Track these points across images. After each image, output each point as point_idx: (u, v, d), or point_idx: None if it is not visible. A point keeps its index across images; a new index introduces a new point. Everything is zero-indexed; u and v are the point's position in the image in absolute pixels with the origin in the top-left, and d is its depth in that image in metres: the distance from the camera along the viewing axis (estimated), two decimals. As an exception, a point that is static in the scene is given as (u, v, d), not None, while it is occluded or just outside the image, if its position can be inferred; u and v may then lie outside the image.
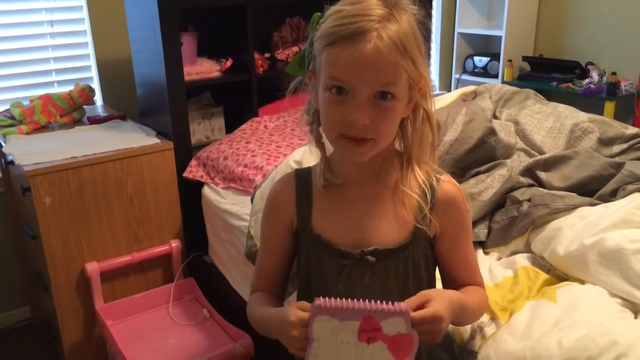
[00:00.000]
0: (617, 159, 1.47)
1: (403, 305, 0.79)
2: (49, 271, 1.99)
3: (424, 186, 0.92)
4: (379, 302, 0.79)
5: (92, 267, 2.02)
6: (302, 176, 1.00)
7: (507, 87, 1.88)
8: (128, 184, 2.09)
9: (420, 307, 0.82)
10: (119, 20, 2.47)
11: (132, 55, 2.38)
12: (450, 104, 1.68)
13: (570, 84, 3.23)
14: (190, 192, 2.21)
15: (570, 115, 1.68)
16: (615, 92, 3.04)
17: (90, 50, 2.63)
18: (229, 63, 2.34)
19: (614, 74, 3.07)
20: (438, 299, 0.83)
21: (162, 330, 1.99)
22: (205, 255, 2.25)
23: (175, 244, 2.20)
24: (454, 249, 0.97)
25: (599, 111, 2.79)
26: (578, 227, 1.23)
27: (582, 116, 1.68)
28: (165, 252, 2.19)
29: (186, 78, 2.19)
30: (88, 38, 2.61)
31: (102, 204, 2.04)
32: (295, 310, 0.83)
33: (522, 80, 3.43)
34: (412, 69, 0.85)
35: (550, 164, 1.47)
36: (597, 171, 1.40)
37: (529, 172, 1.48)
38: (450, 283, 0.99)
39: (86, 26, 2.60)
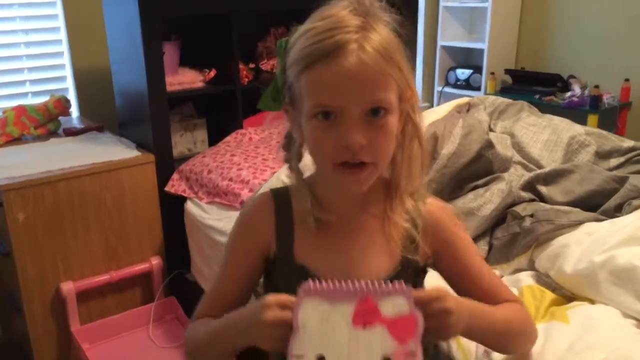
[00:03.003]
0: (616, 173, 1.44)
1: (405, 285, 0.71)
2: (21, 291, 1.88)
3: (412, 213, 0.87)
4: (375, 281, 0.71)
5: (68, 287, 1.92)
6: (280, 197, 0.91)
7: (501, 99, 1.85)
8: (106, 198, 1.99)
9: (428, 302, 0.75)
10: (96, 29, 2.39)
11: (111, 65, 2.30)
12: (446, 115, 1.64)
13: (553, 97, 3.25)
14: (172, 207, 2.12)
15: (567, 128, 1.65)
16: (598, 105, 3.06)
17: (66, 60, 2.55)
18: (212, 73, 2.28)
19: (596, 87, 3.09)
20: (452, 297, 0.77)
21: (141, 353, 1.90)
22: (187, 273, 2.16)
23: (155, 261, 2.11)
24: (460, 272, 0.90)
25: (582, 124, 2.80)
26: (586, 244, 1.19)
27: (579, 129, 1.66)
28: (146, 270, 2.09)
29: (168, 88, 2.12)
30: (64, 47, 2.53)
31: (79, 220, 1.94)
32: (272, 295, 0.75)
33: (504, 93, 3.43)
34: (400, 77, 0.79)
35: (552, 177, 1.43)
36: (600, 185, 1.37)
37: (529, 186, 1.44)
38: None
39: (62, 35, 2.51)
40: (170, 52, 2.21)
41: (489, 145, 1.50)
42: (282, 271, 0.89)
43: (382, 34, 0.77)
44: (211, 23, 2.29)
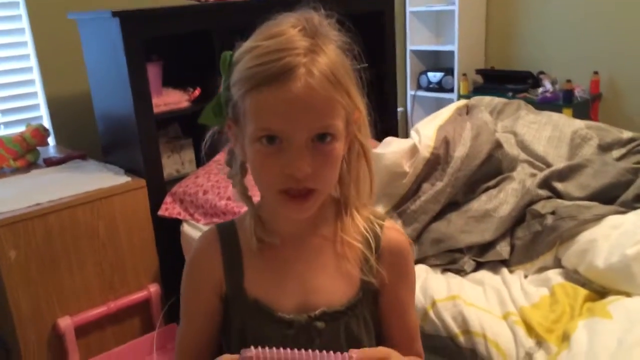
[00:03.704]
0: (625, 164, 1.47)
1: (354, 355, 0.69)
2: (16, 331, 1.78)
3: (366, 234, 0.82)
4: (323, 352, 0.68)
5: (65, 323, 1.83)
6: (226, 232, 0.86)
7: (497, 99, 1.87)
8: (99, 227, 1.91)
9: None
10: (70, 54, 2.31)
11: (92, 90, 2.22)
12: (449, 119, 1.64)
13: (526, 94, 3.31)
14: (166, 231, 2.06)
15: (567, 123, 1.68)
16: (572, 99, 3.13)
17: (38, 87, 2.45)
18: (197, 92, 2.23)
19: (568, 81, 3.17)
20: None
21: (148, 385, 1.83)
22: (187, 297, 2.10)
23: (153, 288, 2.03)
24: (394, 307, 0.86)
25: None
26: (614, 238, 1.20)
27: (579, 123, 1.68)
28: (144, 298, 2.02)
29: (154, 110, 2.06)
30: (35, 75, 2.43)
31: (72, 252, 1.86)
32: None
33: (478, 92, 3.48)
34: (348, 102, 0.75)
35: (566, 173, 1.45)
36: (615, 178, 1.39)
37: (545, 183, 1.45)
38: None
39: (32, 62, 2.42)
40: (153, 73, 2.15)
41: (499, 145, 1.51)
42: (235, 308, 0.84)
43: (330, 56, 0.74)
44: (193, 41, 2.24)
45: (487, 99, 1.89)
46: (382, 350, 0.75)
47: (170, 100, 2.16)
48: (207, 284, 0.85)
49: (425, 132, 1.55)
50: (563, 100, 3.16)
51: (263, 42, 0.72)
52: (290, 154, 0.72)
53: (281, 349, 0.69)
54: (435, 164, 1.50)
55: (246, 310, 0.82)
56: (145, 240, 2.03)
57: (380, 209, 1.52)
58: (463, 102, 1.84)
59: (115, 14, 1.88)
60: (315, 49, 0.73)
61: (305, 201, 0.75)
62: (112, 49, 1.96)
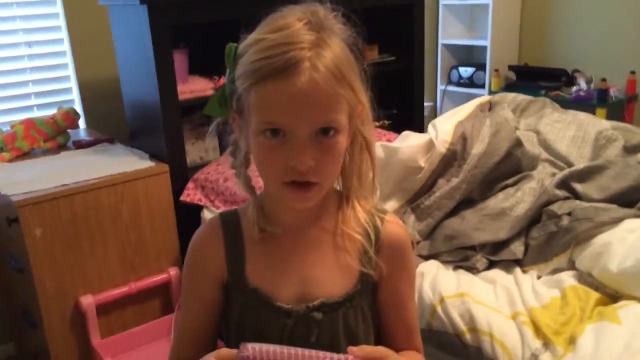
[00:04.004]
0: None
1: (350, 357, 0.69)
2: (40, 307, 1.85)
3: (366, 226, 0.83)
4: (320, 352, 0.68)
5: (87, 301, 1.88)
6: (229, 221, 0.87)
7: (522, 97, 1.84)
8: (123, 210, 1.96)
9: None
10: (102, 40, 2.36)
11: (120, 76, 2.26)
12: (470, 115, 1.62)
13: (559, 92, 3.24)
14: (187, 217, 2.10)
15: (593, 123, 1.64)
16: (606, 99, 3.05)
17: (70, 71, 2.51)
18: (222, 80, 2.24)
19: (603, 80, 3.09)
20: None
21: (165, 366, 1.87)
22: (205, 282, 2.14)
23: (173, 271, 2.08)
24: (392, 300, 0.86)
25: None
26: (629, 241, 1.17)
27: (605, 124, 1.64)
28: (164, 281, 2.06)
29: (179, 97, 2.09)
30: (68, 59, 2.49)
31: (96, 233, 1.91)
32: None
33: (509, 89, 3.41)
34: (351, 97, 0.75)
35: (586, 174, 1.42)
36: (636, 180, 1.35)
37: (563, 184, 1.42)
38: (386, 342, 0.87)
39: (66, 47, 2.48)
40: (179, 60, 2.18)
41: (518, 143, 1.49)
42: (235, 296, 0.85)
43: (335, 51, 0.74)
44: (219, 29, 2.26)
45: (511, 95, 1.85)
46: (380, 350, 0.75)
47: (195, 87, 2.19)
48: (208, 270, 0.85)
49: (443, 127, 1.53)
50: (597, 100, 3.08)
51: (268, 35, 0.73)
52: (294, 147, 0.72)
53: (278, 348, 0.68)
54: (451, 160, 1.49)
55: (246, 299, 0.83)
56: (167, 225, 2.07)
57: (394, 203, 1.52)
58: (486, 98, 1.81)
59: (143, 1, 1.91)
60: (320, 43, 0.73)
61: (307, 192, 0.76)
62: (139, 35, 2.00)
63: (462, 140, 1.47)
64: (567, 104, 3.12)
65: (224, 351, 0.73)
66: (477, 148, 1.45)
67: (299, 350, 0.69)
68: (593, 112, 3.03)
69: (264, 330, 0.82)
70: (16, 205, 1.75)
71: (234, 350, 0.71)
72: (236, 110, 0.79)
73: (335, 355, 0.68)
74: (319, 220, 0.84)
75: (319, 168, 0.74)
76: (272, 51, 0.71)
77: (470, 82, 3.70)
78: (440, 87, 3.87)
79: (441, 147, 1.49)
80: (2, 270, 2.27)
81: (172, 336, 0.86)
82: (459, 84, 3.77)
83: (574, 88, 3.21)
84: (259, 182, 0.84)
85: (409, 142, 1.54)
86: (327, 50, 0.73)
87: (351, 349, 0.70)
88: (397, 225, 0.87)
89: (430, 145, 1.52)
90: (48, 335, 1.88)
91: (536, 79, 3.44)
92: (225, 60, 0.78)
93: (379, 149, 1.50)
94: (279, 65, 0.71)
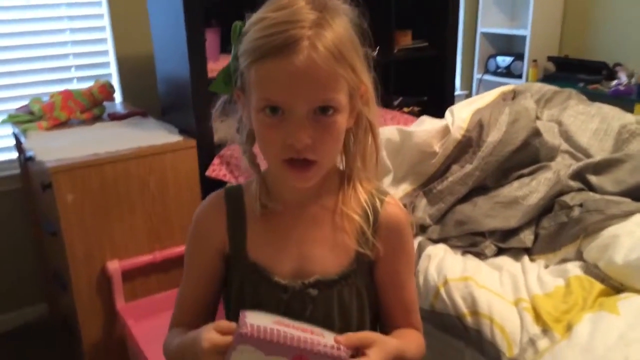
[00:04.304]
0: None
1: (342, 350, 0.70)
2: (70, 269, 1.94)
3: (366, 207, 0.84)
4: (314, 338, 0.70)
5: (114, 266, 1.97)
6: (233, 196, 0.89)
7: (548, 87, 1.81)
8: (150, 182, 2.03)
9: (359, 348, 0.73)
10: (140, 16, 2.42)
11: (155, 52, 2.33)
12: (491, 103, 1.61)
13: (598, 86, 3.16)
14: (213, 191, 2.15)
15: (617, 117, 1.61)
16: (646, 94, 2.96)
17: (109, 46, 2.59)
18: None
19: (645, 75, 2.99)
20: (379, 349, 0.74)
21: (184, 332, 1.94)
22: (227, 255, 2.20)
23: (197, 243, 2.14)
24: (390, 279, 0.87)
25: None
26: (637, 235, 1.16)
27: (630, 117, 1.61)
28: (187, 252, 2.13)
29: (210, 75, 2.14)
30: (107, 34, 2.57)
31: (124, 202, 1.99)
32: (210, 334, 0.72)
33: (547, 81, 3.33)
34: (351, 77, 0.76)
35: (602, 167, 1.40)
36: (653, 175, 1.33)
37: (578, 175, 1.41)
38: (385, 321, 0.90)
39: (105, 22, 2.56)
40: (211, 39, 2.23)
41: (537, 133, 1.48)
42: (235, 269, 0.88)
43: (336, 31, 0.74)
44: (252, 9, 2.30)
45: (537, 85, 1.83)
46: (367, 336, 0.76)
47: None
48: (210, 241, 0.88)
49: (460, 114, 1.53)
50: (637, 95, 2.99)
51: (271, 14, 0.75)
52: (291, 125, 0.74)
53: (275, 327, 0.69)
54: (466, 146, 1.49)
55: (245, 272, 0.86)
56: (193, 198, 2.13)
57: (407, 187, 1.53)
58: (510, 87, 1.79)
59: (177, -21, 1.96)
60: (321, 23, 0.74)
61: (307, 171, 0.78)
62: (173, 13, 2.05)
63: (479, 128, 1.47)
64: (605, 98, 3.04)
65: (224, 323, 0.74)
66: (493, 136, 1.45)
67: (295, 332, 0.70)
68: (631, 108, 2.95)
69: (262, 303, 0.84)
70: (50, 171, 1.83)
71: (233, 324, 0.72)
72: (240, 88, 0.81)
73: (329, 344, 0.69)
74: (320, 198, 0.86)
75: (316, 146, 0.75)
76: (273, 29, 0.73)
77: (508, 72, 3.64)
78: (477, 76, 3.82)
79: (456, 133, 1.49)
80: (38, 234, 2.40)
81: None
82: (495, 74, 3.71)
83: (614, 82, 3.13)
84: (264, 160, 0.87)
85: (424, 126, 1.55)
86: (328, 30, 0.74)
87: (337, 338, 0.71)
88: (396, 207, 0.88)
89: (446, 130, 1.52)
90: (76, 296, 1.98)
91: (576, 71, 3.36)
92: (231, 38, 0.81)
93: (394, 132, 1.51)
94: (279, 44, 0.72)
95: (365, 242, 0.84)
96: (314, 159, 0.76)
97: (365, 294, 0.87)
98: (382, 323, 0.92)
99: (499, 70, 3.69)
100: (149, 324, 1.98)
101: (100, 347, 2.05)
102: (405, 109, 2.60)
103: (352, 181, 0.86)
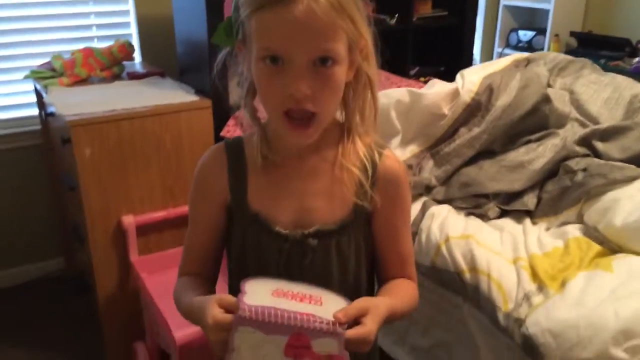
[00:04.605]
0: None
1: (338, 327, 0.71)
2: (87, 222, 2.00)
3: (365, 160, 0.86)
4: (311, 314, 0.71)
5: (129, 220, 2.02)
6: (233, 148, 0.91)
7: (563, 56, 1.80)
8: (166, 139, 2.07)
9: (356, 319, 0.75)
10: (162, -24, 2.45)
11: (174, 13, 2.35)
12: (503, 69, 1.62)
13: (620, 62, 3.12)
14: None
15: (630, 86, 1.60)
16: (668, 72, 2.92)
17: (130, 6, 2.62)
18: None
19: (668, 52, 2.94)
20: (373, 314, 0.76)
21: (195, 286, 1.99)
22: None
23: (210, 202, 2.19)
24: (387, 230, 0.90)
25: (649, 90, 2.69)
26: (638, 199, 1.17)
27: (642, 87, 1.60)
28: (200, 210, 2.18)
29: (227, 36, 2.16)
30: (128, -7, 2.60)
31: (140, 159, 2.03)
32: (214, 311, 0.74)
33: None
34: (351, 29, 0.77)
35: (609, 134, 1.40)
36: (659, 143, 1.34)
37: (585, 141, 1.42)
38: (381, 271, 0.93)
39: (127, -19, 2.58)
40: (229, 2, 2.24)
41: (547, 99, 1.48)
42: (237, 219, 0.89)
43: None
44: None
45: (552, 54, 1.82)
46: (362, 305, 0.77)
47: (244, 28, 2.25)
48: (212, 193, 0.90)
49: (471, 77, 1.54)
50: (658, 72, 2.94)
51: None
52: (291, 74, 0.75)
53: (272, 309, 0.70)
54: (475, 110, 1.50)
55: (247, 223, 0.88)
56: (207, 158, 2.17)
57: (415, 148, 1.55)
58: (524, 55, 1.79)
59: (196, -62, 1.97)
60: None
61: (307, 128, 0.79)
62: (192, -27, 2.06)
63: (488, 91, 1.47)
64: (626, 75, 3.00)
65: (226, 299, 0.75)
66: (502, 100, 1.45)
67: (294, 306, 0.72)
68: (652, 85, 2.91)
69: (263, 252, 0.87)
70: (69, 124, 1.88)
71: (234, 299, 0.74)
72: (241, 40, 0.82)
73: (325, 320, 0.71)
74: (320, 150, 0.87)
75: (316, 97, 0.76)
76: None
77: (529, 47, 3.60)
78: (498, 49, 3.78)
79: (466, 96, 1.50)
80: (57, 190, 2.47)
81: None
82: (516, 48, 3.66)
83: (636, 59, 3.08)
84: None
85: (435, 89, 1.56)
86: None
87: (335, 315, 0.72)
88: (394, 161, 0.90)
89: (456, 93, 1.53)
90: (92, 249, 2.04)
91: (598, 47, 3.31)
92: None
93: (404, 93, 1.53)
94: None
95: (363, 194, 0.86)
96: (313, 110, 0.77)
97: (362, 244, 0.89)
98: (378, 273, 0.94)
99: (520, 44, 3.65)
100: (161, 277, 2.03)
101: (114, 298, 2.12)
102: (422, 79, 2.60)
103: (351, 135, 0.87)
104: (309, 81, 0.75)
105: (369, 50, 0.83)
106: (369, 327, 0.75)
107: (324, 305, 0.74)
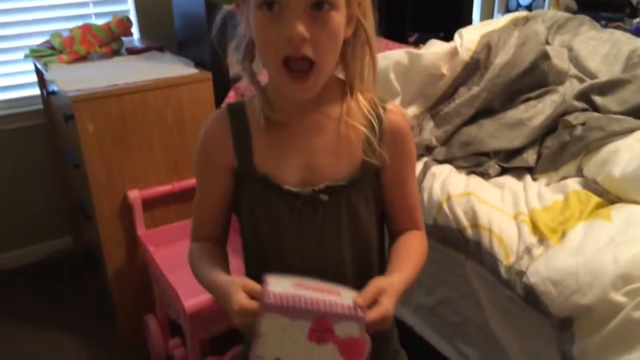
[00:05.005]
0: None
1: (358, 311, 0.74)
2: (93, 198, 2.02)
3: (369, 116, 0.87)
4: (332, 299, 0.74)
5: (134, 195, 2.05)
6: (236, 112, 0.91)
7: (561, 14, 1.80)
8: (167, 113, 2.08)
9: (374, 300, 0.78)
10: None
11: (171, -14, 2.35)
12: (501, 27, 1.61)
13: (619, 23, 3.09)
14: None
15: (628, 42, 1.60)
16: (668, 32, 2.89)
17: (127, -19, 2.61)
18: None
19: (668, 11, 2.91)
20: (389, 293, 0.79)
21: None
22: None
23: (213, 175, 2.20)
24: (395, 183, 0.91)
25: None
26: (636, 149, 1.18)
27: (641, 42, 1.60)
28: (204, 183, 2.20)
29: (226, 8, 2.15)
30: (125, -31, 2.58)
31: (143, 133, 2.05)
32: (238, 296, 0.76)
33: (568, 19, 3.27)
34: None
35: (607, 88, 1.41)
36: (657, 95, 1.34)
37: (583, 96, 1.42)
38: (390, 223, 0.95)
39: (123, -43, 2.57)
40: (226, -29, 2.23)
41: (545, 56, 1.48)
42: (245, 183, 0.90)
43: None
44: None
45: (550, 12, 1.82)
46: (377, 285, 0.79)
47: (241, 0, 2.24)
48: (218, 159, 0.91)
49: (469, 36, 1.54)
50: (659, 32, 2.92)
51: None
52: (288, 18, 0.75)
53: (296, 295, 0.73)
54: (474, 68, 1.50)
55: (256, 185, 0.89)
56: (209, 130, 2.18)
57: (415, 109, 1.56)
58: (522, 13, 1.78)
59: None
60: None
61: (307, 80, 0.79)
62: (188, -55, 2.05)
63: (487, 50, 1.47)
64: (627, 35, 2.99)
65: (250, 285, 0.77)
66: (501, 58, 1.45)
67: (315, 294, 0.74)
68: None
69: (274, 212, 0.88)
70: (72, 100, 1.89)
71: (258, 286, 0.76)
72: None
73: (346, 305, 0.74)
74: (322, 106, 0.87)
75: (314, 42, 0.76)
76: None
77: (528, 11, 3.56)
78: (497, 15, 3.75)
79: (464, 55, 1.50)
80: (62, 169, 2.49)
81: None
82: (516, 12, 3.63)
83: (636, 20, 3.05)
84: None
85: (433, 49, 1.56)
86: None
87: (356, 300, 0.75)
88: (399, 114, 0.91)
89: (454, 52, 1.53)
90: (100, 224, 2.07)
91: (598, 9, 3.27)
92: None
93: (403, 55, 1.53)
94: None
95: (372, 151, 0.87)
96: (312, 57, 0.77)
97: (372, 198, 0.91)
98: (388, 225, 0.96)
99: (520, 9, 3.61)
100: (169, 250, 2.06)
101: (123, 272, 2.15)
102: (421, 45, 2.59)
103: (353, 91, 0.88)
104: (306, 24, 0.75)
105: (366, 5, 0.83)
106: (385, 305, 0.77)
107: (342, 296, 0.77)
